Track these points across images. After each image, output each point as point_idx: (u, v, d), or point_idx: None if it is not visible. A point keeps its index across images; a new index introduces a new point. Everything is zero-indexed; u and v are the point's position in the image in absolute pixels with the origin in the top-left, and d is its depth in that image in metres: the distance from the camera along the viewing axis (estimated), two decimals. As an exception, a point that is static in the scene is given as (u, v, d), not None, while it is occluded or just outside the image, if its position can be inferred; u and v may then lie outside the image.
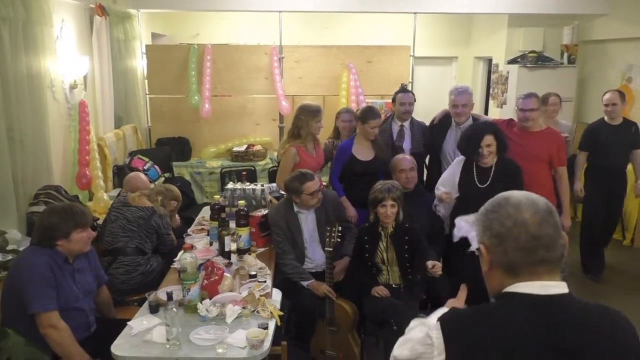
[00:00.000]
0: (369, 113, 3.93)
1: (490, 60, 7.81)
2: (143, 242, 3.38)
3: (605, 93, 4.55)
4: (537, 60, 6.67)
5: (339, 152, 4.07)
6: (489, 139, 3.36)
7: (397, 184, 3.35)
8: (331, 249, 3.20)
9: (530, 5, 6.25)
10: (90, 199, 4.50)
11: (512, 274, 1.17)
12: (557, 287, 1.15)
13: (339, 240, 3.25)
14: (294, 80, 6.65)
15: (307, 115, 3.97)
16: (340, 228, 3.24)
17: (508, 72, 6.95)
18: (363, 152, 3.96)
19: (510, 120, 4.00)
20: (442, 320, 1.18)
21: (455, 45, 8.40)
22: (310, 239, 3.48)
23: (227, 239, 3.27)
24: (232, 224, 3.49)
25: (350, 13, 6.73)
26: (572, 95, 6.77)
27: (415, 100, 4.30)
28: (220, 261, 3.11)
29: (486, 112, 7.86)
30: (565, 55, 6.77)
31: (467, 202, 3.36)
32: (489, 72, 7.88)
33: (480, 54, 8.10)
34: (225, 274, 2.84)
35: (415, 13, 6.53)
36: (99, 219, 3.89)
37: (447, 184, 3.62)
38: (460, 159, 3.59)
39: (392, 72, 6.69)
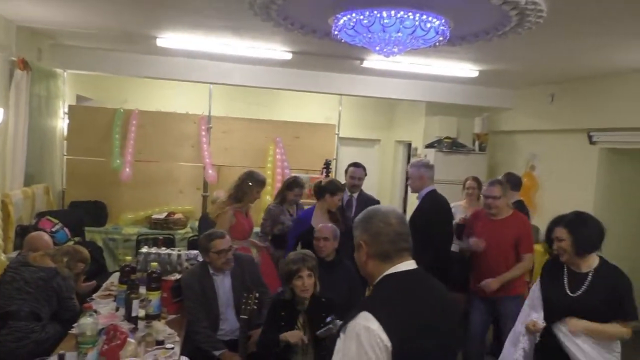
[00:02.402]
0: (339, 187, 4.22)
1: (409, 145, 8.28)
2: (40, 306, 3.11)
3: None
4: (451, 145, 7.16)
5: (297, 223, 4.31)
6: (560, 232, 2.79)
7: (310, 253, 3.17)
8: (246, 317, 3.07)
9: (445, 96, 6.79)
10: (-14, 260, 4.11)
11: (387, 260, 1.67)
12: (414, 264, 1.70)
13: (255, 307, 3.13)
14: (221, 150, 6.68)
15: (254, 182, 4.17)
16: (257, 295, 3.15)
17: (426, 156, 7.37)
18: (322, 222, 4.00)
19: (481, 210, 4.10)
20: (368, 310, 1.51)
21: (378, 129, 8.87)
22: (226, 304, 3.35)
23: (135, 303, 3.07)
24: (143, 290, 3.30)
25: (279, 90, 6.95)
26: (483, 180, 7.25)
27: (366, 175, 4.83)
28: (125, 326, 2.89)
29: (406, 193, 8.22)
30: (477, 143, 7.32)
31: (551, 311, 2.82)
32: (409, 155, 8.33)
33: (401, 138, 8.59)
34: (129, 339, 2.64)
35: (340, 95, 6.89)
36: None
37: (538, 305, 2.91)
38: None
39: (317, 148, 6.90)
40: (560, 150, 6.24)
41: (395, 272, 1.65)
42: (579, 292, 2.72)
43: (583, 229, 2.73)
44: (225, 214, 4.02)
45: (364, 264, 1.72)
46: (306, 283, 2.95)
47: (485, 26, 3.42)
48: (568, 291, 2.75)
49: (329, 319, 2.72)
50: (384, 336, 1.47)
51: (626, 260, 3.92)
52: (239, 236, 4.07)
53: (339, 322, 2.63)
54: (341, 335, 1.55)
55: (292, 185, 4.65)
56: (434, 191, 4.21)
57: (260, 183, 4.22)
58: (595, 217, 2.83)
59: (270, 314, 3.09)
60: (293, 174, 5.89)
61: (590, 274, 2.72)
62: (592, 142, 5.69)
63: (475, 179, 5.29)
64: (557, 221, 2.81)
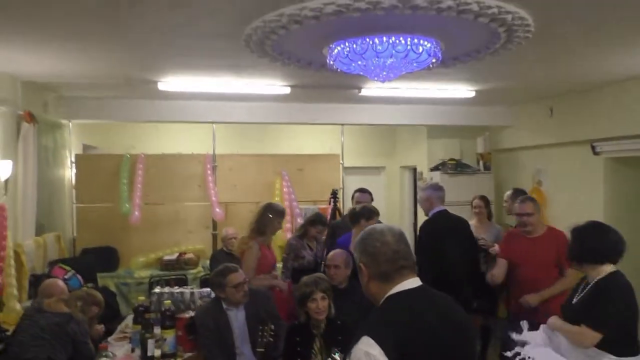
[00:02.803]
0: (374, 212, 4.13)
1: (415, 169, 8.31)
2: (57, 352, 3.10)
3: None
4: (456, 167, 7.18)
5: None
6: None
7: (323, 276, 3.25)
8: (263, 350, 3.05)
9: (445, 118, 6.86)
10: (1, 310, 4.13)
11: (387, 281, 1.64)
12: (418, 281, 1.66)
13: (271, 340, 3.11)
14: (228, 187, 6.75)
15: (274, 214, 4.17)
16: (272, 327, 3.13)
17: (432, 179, 7.39)
18: None
19: (516, 230, 4.04)
20: (370, 334, 1.50)
21: (382, 156, 8.92)
22: (241, 338, 3.32)
23: (150, 343, 3.08)
24: (157, 330, 3.30)
25: (281, 124, 7.06)
26: (491, 199, 7.25)
27: (372, 200, 4.79)
28: (141, 365, 2.89)
29: (415, 218, 8.21)
30: (481, 162, 7.35)
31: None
32: (415, 180, 8.35)
33: (406, 163, 8.63)
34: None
35: (341, 124, 6.98)
36: (7, 330, 3.55)
37: None
38: None
39: (323, 179, 6.95)
40: (565, 163, 6.24)
41: (398, 292, 1.63)
42: (576, 300, 2.79)
43: (584, 238, 2.75)
44: (251, 248, 4.03)
45: (366, 286, 1.71)
46: (320, 305, 2.98)
47: (475, 45, 3.50)
48: (574, 299, 2.81)
49: (334, 353, 2.73)
50: None
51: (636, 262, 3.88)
52: (265, 270, 4.12)
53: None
54: None
55: (315, 222, 4.58)
56: (444, 211, 4.23)
57: (280, 213, 4.25)
58: (607, 228, 2.81)
59: (286, 341, 3.10)
60: (315, 211, 5.88)
61: (592, 283, 2.73)
62: (595, 153, 5.69)
63: (483, 198, 5.30)
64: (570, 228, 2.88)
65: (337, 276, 3.62)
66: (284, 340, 3.15)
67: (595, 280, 2.73)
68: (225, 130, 7.14)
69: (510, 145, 7.20)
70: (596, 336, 2.59)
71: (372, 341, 1.48)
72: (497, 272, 3.89)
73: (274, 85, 5.26)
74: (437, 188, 4.38)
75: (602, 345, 2.60)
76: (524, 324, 2.94)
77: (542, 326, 2.92)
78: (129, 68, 4.52)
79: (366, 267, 1.67)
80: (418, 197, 4.35)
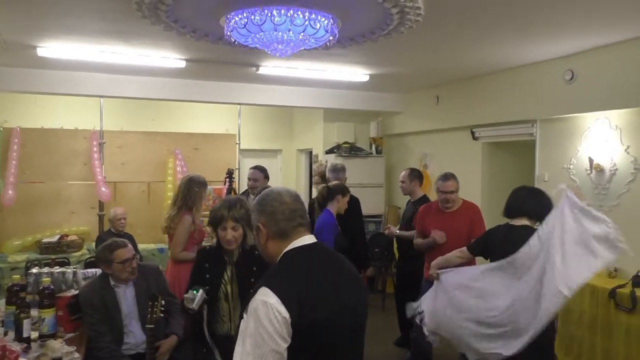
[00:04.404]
0: (347, 188, 4.38)
1: (310, 152, 8.46)
2: None
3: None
4: (350, 150, 7.43)
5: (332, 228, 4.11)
6: None
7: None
8: (152, 326, 2.95)
9: (341, 102, 7.04)
10: None
11: (285, 238, 1.68)
12: (314, 239, 1.73)
13: (161, 315, 3.02)
14: (116, 166, 6.39)
15: (199, 186, 4.03)
16: (163, 302, 3.04)
17: (327, 161, 7.57)
18: None
19: (431, 204, 4.23)
20: (267, 285, 1.52)
21: (279, 139, 8.95)
22: (130, 317, 3.18)
23: (26, 323, 2.83)
24: (35, 313, 3.05)
25: (176, 102, 6.79)
26: (382, 182, 7.62)
27: (266, 178, 5.03)
28: (15, 345, 2.66)
29: (311, 200, 8.35)
30: (374, 146, 7.67)
31: None
32: (311, 163, 8.51)
33: (302, 146, 8.75)
34: (20, 358, 2.43)
35: (238, 104, 6.89)
36: None
37: None
38: None
39: (218, 159, 6.84)
40: (448, 147, 6.71)
41: (295, 247, 1.67)
42: None
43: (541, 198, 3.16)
44: (184, 221, 3.86)
45: (264, 246, 1.73)
46: (229, 235, 2.69)
47: (370, 26, 3.63)
48: None
49: (195, 290, 2.67)
50: (282, 309, 1.47)
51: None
52: (196, 243, 3.97)
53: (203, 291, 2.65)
54: (244, 315, 1.54)
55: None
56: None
57: (205, 184, 4.14)
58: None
59: (195, 266, 2.88)
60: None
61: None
62: (475, 138, 6.19)
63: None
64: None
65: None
66: (193, 266, 2.93)
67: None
68: (115, 105, 6.72)
69: (400, 131, 7.59)
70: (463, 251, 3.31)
71: (269, 291, 1.50)
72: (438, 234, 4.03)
73: (169, 58, 5.05)
74: (334, 169, 5.07)
75: None
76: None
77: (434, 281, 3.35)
78: (3, 29, 4.09)
79: (265, 226, 1.69)
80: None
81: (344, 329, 1.63)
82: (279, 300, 1.47)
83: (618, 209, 4.50)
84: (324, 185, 4.41)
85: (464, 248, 3.35)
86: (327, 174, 5.21)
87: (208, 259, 2.82)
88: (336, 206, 4.19)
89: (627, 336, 3.96)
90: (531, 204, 3.10)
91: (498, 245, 3.10)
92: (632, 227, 4.38)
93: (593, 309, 3.89)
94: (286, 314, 1.46)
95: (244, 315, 1.53)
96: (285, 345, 1.47)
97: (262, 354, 1.45)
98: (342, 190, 4.27)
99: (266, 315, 1.46)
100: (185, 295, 2.71)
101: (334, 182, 4.46)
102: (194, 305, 2.67)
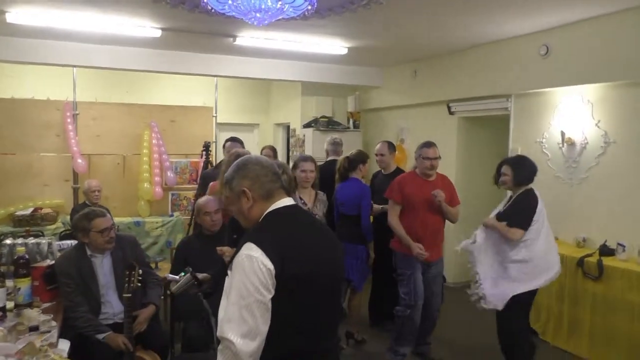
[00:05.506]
0: (367, 155, 4.62)
1: (288, 126, 8.43)
2: None
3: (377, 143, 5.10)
4: (327, 124, 7.43)
5: (368, 194, 4.42)
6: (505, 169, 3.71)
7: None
8: (129, 295, 2.96)
9: (319, 75, 6.99)
10: None
11: (269, 198, 1.73)
12: (292, 200, 1.78)
13: (139, 285, 3.03)
14: (91, 138, 6.29)
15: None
16: (140, 272, 3.05)
17: (304, 135, 7.57)
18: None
19: (405, 175, 4.22)
20: (251, 240, 1.57)
21: (256, 113, 8.89)
22: (107, 287, 3.18)
23: (1, 292, 2.81)
24: (11, 282, 3.03)
25: (152, 73, 6.65)
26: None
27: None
28: (-10, 314, 2.64)
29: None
30: (351, 120, 7.68)
31: None
32: (289, 137, 8.48)
33: (280, 120, 8.70)
34: (-4, 326, 2.42)
35: (215, 76, 6.79)
36: None
37: None
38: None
39: (195, 132, 6.78)
40: (424, 122, 6.76)
41: (277, 208, 1.73)
42: (504, 209, 3.65)
43: (522, 168, 3.57)
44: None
45: (249, 212, 1.73)
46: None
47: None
48: (503, 209, 3.67)
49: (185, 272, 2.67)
50: (266, 261, 1.52)
51: (484, 207, 4.41)
52: None
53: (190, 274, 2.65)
54: (229, 272, 1.59)
55: None
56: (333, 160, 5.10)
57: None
58: (530, 159, 3.67)
59: (175, 258, 3.01)
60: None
61: (515, 196, 3.63)
62: (451, 113, 6.25)
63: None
64: (503, 162, 3.70)
65: (216, 224, 3.60)
66: (174, 256, 3.01)
67: (517, 193, 3.60)
68: (88, 75, 6.57)
69: (377, 105, 7.61)
70: (517, 231, 3.46)
71: (253, 245, 1.55)
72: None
73: (144, 26, 4.93)
74: (333, 143, 5.45)
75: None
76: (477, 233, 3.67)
77: (481, 226, 3.68)
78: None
79: (250, 190, 1.71)
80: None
81: (323, 284, 1.70)
82: (263, 253, 1.53)
83: (587, 181, 4.64)
84: (345, 156, 4.59)
85: (519, 230, 3.48)
86: (326, 147, 5.51)
87: (185, 249, 3.00)
88: (360, 174, 4.46)
89: (594, 303, 4.13)
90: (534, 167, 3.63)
91: (540, 210, 3.52)
92: (600, 199, 4.54)
93: (561, 278, 4.02)
94: (270, 266, 1.52)
95: (228, 272, 1.58)
96: (270, 297, 1.53)
97: (247, 304, 1.50)
98: (363, 159, 4.46)
99: (251, 267, 1.51)
100: (169, 276, 2.70)
101: (354, 152, 4.60)
102: (175, 289, 2.70)
